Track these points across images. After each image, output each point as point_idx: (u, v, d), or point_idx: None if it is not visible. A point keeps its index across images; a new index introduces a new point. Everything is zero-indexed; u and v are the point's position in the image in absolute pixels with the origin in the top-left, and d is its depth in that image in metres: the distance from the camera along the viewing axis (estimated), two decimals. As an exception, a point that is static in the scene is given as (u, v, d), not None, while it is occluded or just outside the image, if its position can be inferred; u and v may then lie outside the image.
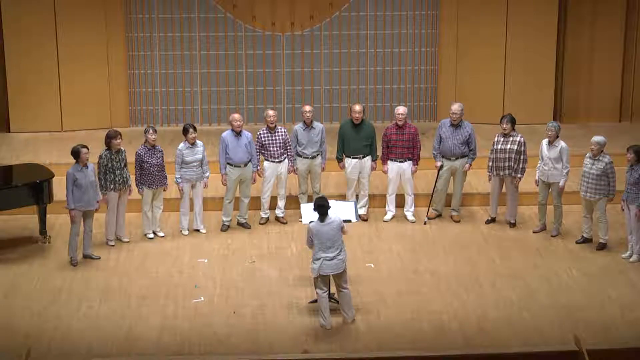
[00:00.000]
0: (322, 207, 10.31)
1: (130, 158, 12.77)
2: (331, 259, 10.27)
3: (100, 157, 12.35)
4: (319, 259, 10.27)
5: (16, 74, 15.71)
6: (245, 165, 12.89)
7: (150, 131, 12.58)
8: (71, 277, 11.67)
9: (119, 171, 12.37)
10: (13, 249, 12.53)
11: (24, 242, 12.77)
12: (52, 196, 12.47)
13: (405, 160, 13.22)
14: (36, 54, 15.68)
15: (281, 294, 11.21)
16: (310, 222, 10.40)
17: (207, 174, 12.87)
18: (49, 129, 15.98)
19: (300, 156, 13.22)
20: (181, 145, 12.75)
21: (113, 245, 12.60)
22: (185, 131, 12.65)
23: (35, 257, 12.28)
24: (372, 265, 12.04)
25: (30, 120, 15.93)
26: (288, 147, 13.12)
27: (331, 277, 10.46)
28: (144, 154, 12.58)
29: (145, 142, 12.64)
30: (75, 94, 15.98)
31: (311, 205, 10.68)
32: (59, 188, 12.51)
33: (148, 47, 16.01)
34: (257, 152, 13.04)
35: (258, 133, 13.10)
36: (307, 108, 13.09)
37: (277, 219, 13.38)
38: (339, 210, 10.66)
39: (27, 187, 12.26)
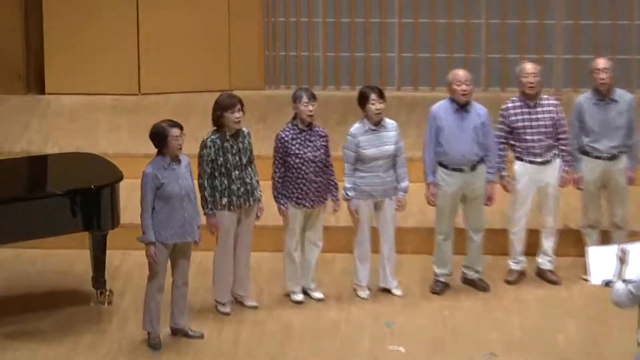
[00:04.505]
0: None
1: (263, 148, 12.44)
2: None
3: (205, 145, 11.94)
4: None
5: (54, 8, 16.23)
6: (473, 168, 12.26)
7: (304, 98, 12.04)
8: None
9: (238, 172, 11.94)
10: (46, 312, 12.21)
11: (65, 299, 12.52)
12: (118, 216, 12.02)
13: None
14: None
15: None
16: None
17: (404, 184, 12.47)
18: (112, 91, 16.15)
19: (588, 155, 12.70)
20: (356, 126, 12.18)
21: (228, 314, 12.20)
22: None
23: (85, 331, 11.88)
24: None
25: (76, 75, 16.11)
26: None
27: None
28: (291, 140, 11.99)
29: (294, 119, 12.14)
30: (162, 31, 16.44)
31: (608, 249, 11.23)
32: (130, 200, 12.14)
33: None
34: (503, 142, 12.92)
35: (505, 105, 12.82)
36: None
37: (540, 273, 12.94)
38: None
39: (71, 197, 11.75)
